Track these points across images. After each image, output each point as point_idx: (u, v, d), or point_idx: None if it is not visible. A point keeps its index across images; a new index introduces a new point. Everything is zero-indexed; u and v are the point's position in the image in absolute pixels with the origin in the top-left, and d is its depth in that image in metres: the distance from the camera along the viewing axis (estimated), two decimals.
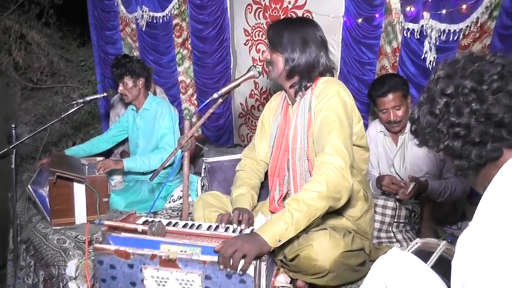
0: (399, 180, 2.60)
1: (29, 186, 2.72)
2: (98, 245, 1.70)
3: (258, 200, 2.31)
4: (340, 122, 1.88)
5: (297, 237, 1.79)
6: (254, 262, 1.58)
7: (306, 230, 1.83)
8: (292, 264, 1.86)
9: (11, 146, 2.66)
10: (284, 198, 2.16)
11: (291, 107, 2.16)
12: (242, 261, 1.57)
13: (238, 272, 1.57)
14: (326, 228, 1.90)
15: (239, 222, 1.96)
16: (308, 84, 2.06)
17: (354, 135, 2.01)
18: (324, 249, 1.77)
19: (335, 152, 1.82)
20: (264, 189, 2.34)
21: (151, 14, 4.53)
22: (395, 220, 2.58)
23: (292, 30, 2.03)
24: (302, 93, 2.08)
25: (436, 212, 2.64)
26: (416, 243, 1.76)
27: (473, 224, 0.95)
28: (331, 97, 1.94)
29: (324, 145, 1.86)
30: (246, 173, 2.28)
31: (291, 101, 2.17)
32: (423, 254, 1.53)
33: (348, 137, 1.89)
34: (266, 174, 2.32)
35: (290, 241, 1.77)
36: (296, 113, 2.08)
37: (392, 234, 2.57)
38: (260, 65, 2.14)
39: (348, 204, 1.98)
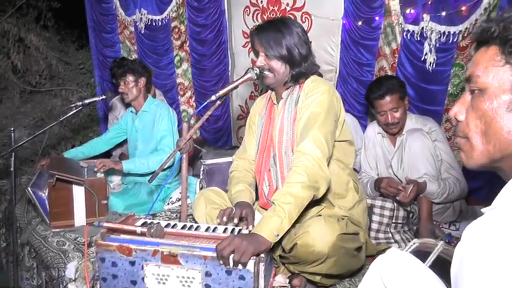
0: (397, 182, 2.61)
1: (29, 189, 2.72)
2: (100, 241, 1.71)
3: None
4: (324, 118, 1.95)
5: (292, 227, 1.82)
6: (254, 258, 1.59)
7: (297, 221, 1.86)
8: (291, 256, 1.89)
9: (9, 149, 2.66)
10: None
11: (276, 105, 2.20)
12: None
13: (237, 267, 1.59)
14: (320, 215, 1.97)
15: (241, 219, 1.98)
16: (302, 79, 2.11)
17: (337, 131, 2.08)
18: (320, 234, 1.80)
19: (314, 143, 1.88)
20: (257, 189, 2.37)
21: (149, 17, 4.54)
22: (394, 221, 2.59)
23: (286, 32, 2.04)
24: (290, 90, 2.12)
25: (434, 213, 2.64)
26: (414, 243, 1.76)
27: (491, 212, 0.86)
28: (320, 95, 2.01)
29: (305, 136, 1.92)
30: (240, 172, 2.32)
31: (276, 100, 2.21)
32: (421, 254, 1.53)
33: (329, 132, 1.95)
34: None
35: (286, 232, 1.80)
36: (283, 109, 2.13)
37: (390, 235, 2.58)
38: (261, 72, 2.12)
39: (338, 194, 2.09)
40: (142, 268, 1.67)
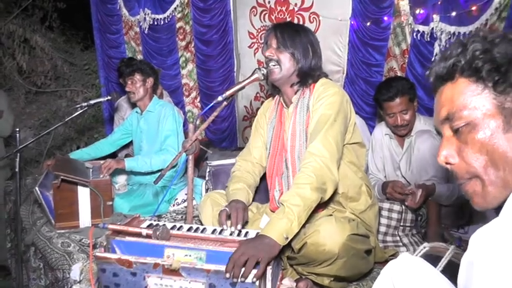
0: (402, 185, 2.57)
1: (36, 188, 2.71)
2: (99, 254, 1.67)
3: (261, 203, 2.34)
4: (334, 120, 1.95)
5: (302, 227, 1.81)
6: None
7: (307, 221, 1.85)
8: (300, 256, 1.87)
9: (15, 150, 2.66)
10: None
11: (286, 109, 2.19)
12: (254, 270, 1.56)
13: (251, 280, 1.54)
14: (331, 215, 1.96)
15: (229, 217, 1.96)
16: (310, 81, 2.11)
17: (348, 133, 2.08)
18: (331, 234, 1.78)
19: (323, 145, 1.89)
20: (265, 192, 2.34)
21: (153, 16, 4.53)
22: (402, 224, 2.56)
23: (302, 34, 2.11)
24: (300, 94, 2.12)
25: (443, 216, 2.61)
26: (425, 247, 1.73)
27: (499, 219, 0.84)
28: (330, 97, 2.01)
29: (314, 138, 1.93)
30: (241, 173, 2.31)
31: (285, 104, 2.20)
32: (431, 258, 1.50)
33: (339, 134, 1.96)
34: (264, 176, 2.33)
35: (296, 233, 1.78)
36: (294, 113, 2.12)
37: (398, 238, 2.55)
38: (265, 68, 2.11)
39: (350, 198, 2.07)
40: (144, 279, 1.63)
